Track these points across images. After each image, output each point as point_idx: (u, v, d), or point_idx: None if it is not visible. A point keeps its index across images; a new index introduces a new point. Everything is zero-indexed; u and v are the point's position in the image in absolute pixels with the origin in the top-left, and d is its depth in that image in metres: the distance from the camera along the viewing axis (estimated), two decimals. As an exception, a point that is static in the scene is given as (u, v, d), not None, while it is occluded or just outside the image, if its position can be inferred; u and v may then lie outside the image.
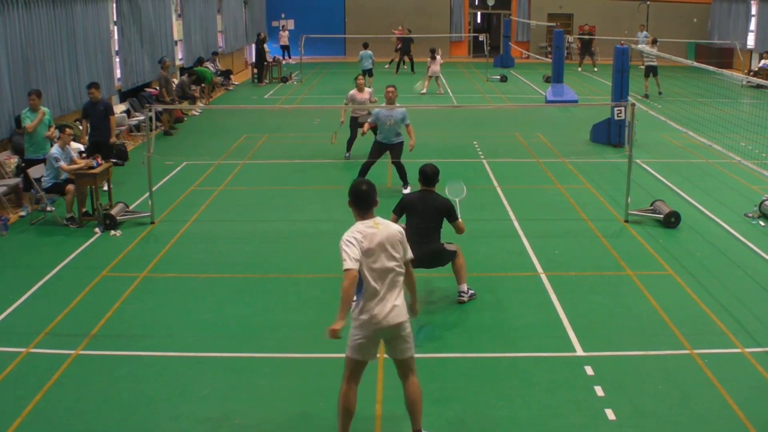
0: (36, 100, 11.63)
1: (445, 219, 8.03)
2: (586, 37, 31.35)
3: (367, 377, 6.65)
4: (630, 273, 9.17)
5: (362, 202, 5.44)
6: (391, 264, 5.38)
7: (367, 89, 15.16)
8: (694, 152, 15.67)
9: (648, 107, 19.17)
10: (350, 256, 5.22)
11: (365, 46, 26.63)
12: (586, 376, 6.74)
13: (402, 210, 8.03)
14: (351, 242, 5.28)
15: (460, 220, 8.07)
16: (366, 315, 5.37)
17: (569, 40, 33.43)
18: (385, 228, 5.41)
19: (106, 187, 11.82)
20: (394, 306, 5.38)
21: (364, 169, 12.62)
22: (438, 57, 24.68)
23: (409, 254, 5.54)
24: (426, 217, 7.93)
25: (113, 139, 13.03)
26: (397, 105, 12.60)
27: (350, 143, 15.15)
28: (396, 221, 7.63)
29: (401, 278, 5.48)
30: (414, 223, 7.91)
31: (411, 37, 31.23)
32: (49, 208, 11.08)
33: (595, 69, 31.09)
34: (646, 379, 6.68)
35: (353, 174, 14.22)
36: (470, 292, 8.34)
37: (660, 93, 22.75)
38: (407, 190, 12.29)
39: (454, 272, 8.29)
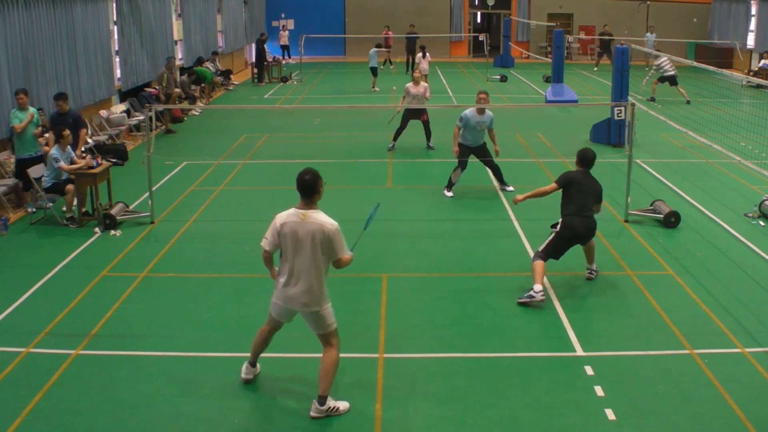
0: (25, 98, 11.59)
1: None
2: (606, 37, 31.36)
3: (367, 377, 6.69)
4: (630, 273, 9.17)
5: (302, 190, 5.97)
6: (307, 253, 5.84)
7: (422, 83, 15.54)
8: (694, 152, 15.67)
9: (648, 107, 19.17)
10: (266, 237, 6.03)
11: (378, 46, 26.61)
12: (586, 376, 6.74)
13: (566, 182, 8.69)
14: (272, 226, 5.99)
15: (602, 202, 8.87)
16: (277, 290, 6.10)
17: (569, 40, 33.45)
18: (309, 221, 5.86)
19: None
20: (300, 292, 5.93)
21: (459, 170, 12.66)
22: (428, 55, 24.53)
23: (339, 254, 5.90)
24: (587, 195, 8.59)
25: (78, 153, 11.82)
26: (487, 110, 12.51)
27: (398, 134, 15.72)
28: (556, 189, 8.71)
29: (317, 270, 5.88)
30: (578, 199, 8.56)
31: (416, 36, 31.27)
32: (48, 204, 11.07)
33: (595, 69, 31.14)
34: (646, 379, 6.68)
35: (352, 174, 14.27)
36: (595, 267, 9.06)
37: (688, 101, 21.63)
38: (511, 189, 12.70)
39: (586, 251, 8.90)
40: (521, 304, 8.21)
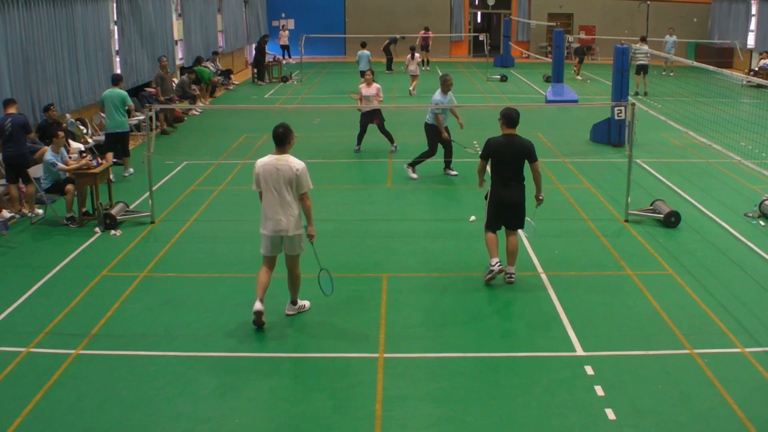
0: None
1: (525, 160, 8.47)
2: (588, 37, 29.83)
3: (367, 377, 6.69)
4: (630, 273, 9.17)
5: (277, 141, 7.34)
6: (282, 190, 7.27)
7: (375, 84, 15.21)
8: (694, 152, 15.67)
9: (648, 107, 19.17)
10: (254, 181, 7.47)
11: (363, 45, 25.89)
12: (586, 376, 6.74)
13: (488, 153, 8.46)
14: (254, 172, 7.43)
15: (539, 161, 8.55)
16: (262, 223, 7.46)
17: (569, 40, 33.33)
18: (284, 164, 7.27)
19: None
20: (279, 220, 7.32)
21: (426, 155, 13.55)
22: (417, 56, 24.23)
23: (305, 189, 7.31)
24: (512, 161, 8.38)
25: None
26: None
27: (360, 138, 15.52)
28: (485, 166, 8.56)
29: (292, 202, 7.31)
30: (500, 168, 8.40)
31: (395, 37, 31.11)
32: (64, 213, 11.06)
33: (578, 78, 28.38)
34: (646, 379, 6.68)
35: (352, 174, 14.28)
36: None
37: (645, 93, 22.91)
38: (454, 173, 13.55)
39: (509, 253, 8.69)
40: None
